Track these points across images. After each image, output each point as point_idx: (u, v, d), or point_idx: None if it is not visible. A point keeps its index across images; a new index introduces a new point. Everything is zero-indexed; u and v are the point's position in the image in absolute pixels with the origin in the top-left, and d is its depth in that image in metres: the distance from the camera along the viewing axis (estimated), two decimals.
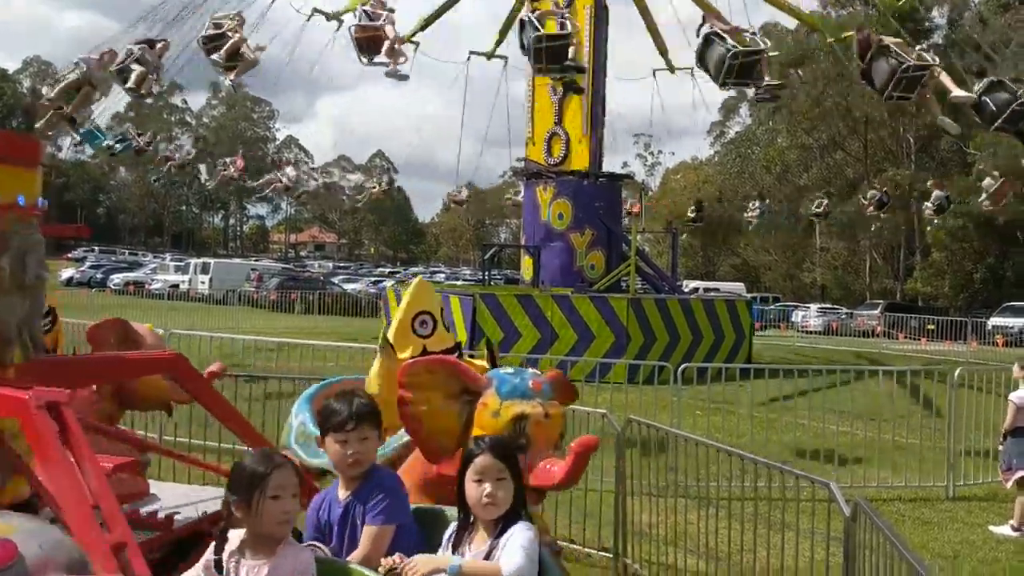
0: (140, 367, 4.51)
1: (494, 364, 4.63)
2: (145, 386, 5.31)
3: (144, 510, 4.41)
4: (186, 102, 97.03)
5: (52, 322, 5.99)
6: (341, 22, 21.69)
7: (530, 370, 4.31)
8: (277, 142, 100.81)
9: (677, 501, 6.48)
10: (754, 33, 18.28)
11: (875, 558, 4.20)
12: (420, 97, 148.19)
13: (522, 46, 18.44)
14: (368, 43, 18.80)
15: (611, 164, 27.96)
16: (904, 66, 16.19)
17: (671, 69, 27.94)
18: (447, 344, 5.16)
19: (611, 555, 6.65)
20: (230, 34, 18.49)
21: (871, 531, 4.24)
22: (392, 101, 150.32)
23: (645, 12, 25.42)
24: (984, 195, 25.77)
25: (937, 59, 17.37)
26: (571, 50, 18.02)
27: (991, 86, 16.79)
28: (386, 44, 18.61)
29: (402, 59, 19.29)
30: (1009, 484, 8.30)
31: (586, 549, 6.89)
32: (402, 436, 4.66)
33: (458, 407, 4.12)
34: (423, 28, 25.03)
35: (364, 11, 18.93)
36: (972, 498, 9.29)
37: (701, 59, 17.74)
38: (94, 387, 5.16)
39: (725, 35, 17.22)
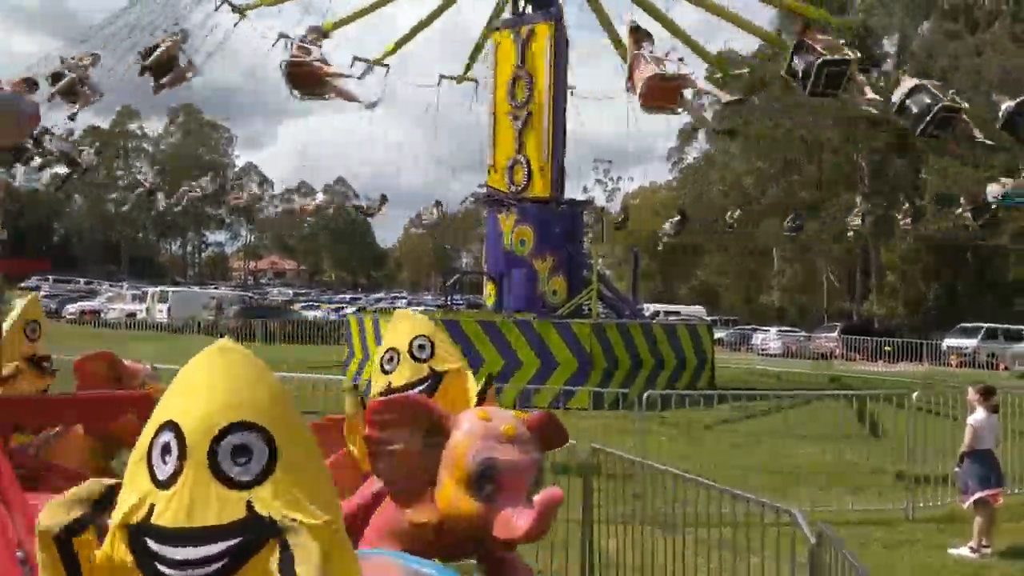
0: (108, 407, 4.44)
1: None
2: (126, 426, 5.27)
3: None
4: (143, 128, 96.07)
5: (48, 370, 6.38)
6: (244, 16, 21.85)
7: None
8: (236, 168, 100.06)
9: (644, 529, 6.49)
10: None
11: None
12: (381, 123, 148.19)
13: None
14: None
15: (572, 189, 28.11)
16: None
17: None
18: (414, 377, 4.94)
19: None
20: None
21: (836, 557, 4.30)
22: (352, 127, 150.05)
23: (610, 28, 25.70)
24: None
25: (859, 54, 17.85)
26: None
27: (913, 91, 17.20)
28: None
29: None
30: (966, 506, 8.44)
31: None
32: None
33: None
34: (393, 52, 25.16)
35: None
36: (932, 520, 9.42)
37: None
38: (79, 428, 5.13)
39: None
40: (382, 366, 5.05)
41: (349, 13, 24.02)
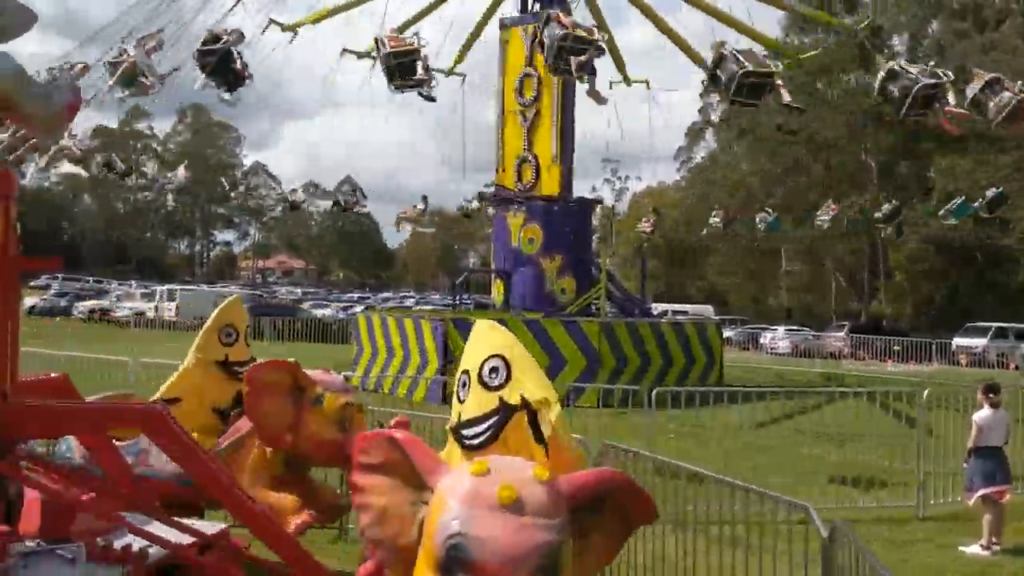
0: (114, 419, 4.50)
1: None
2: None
3: (118, 543, 4.34)
4: (152, 128, 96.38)
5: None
6: (296, 33, 21.80)
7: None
8: (244, 168, 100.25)
9: (655, 526, 6.48)
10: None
11: None
12: (389, 123, 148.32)
13: (541, 44, 18.01)
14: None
15: (580, 189, 28.05)
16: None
17: (627, 82, 27.83)
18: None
19: None
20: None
21: (849, 553, 4.28)
22: (360, 127, 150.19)
23: (604, 27, 25.60)
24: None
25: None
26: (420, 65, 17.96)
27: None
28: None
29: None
30: (971, 503, 8.44)
31: None
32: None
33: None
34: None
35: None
36: (942, 518, 9.39)
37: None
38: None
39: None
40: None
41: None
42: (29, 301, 47.70)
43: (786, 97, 18.35)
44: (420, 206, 33.88)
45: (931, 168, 48.47)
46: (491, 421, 3.53)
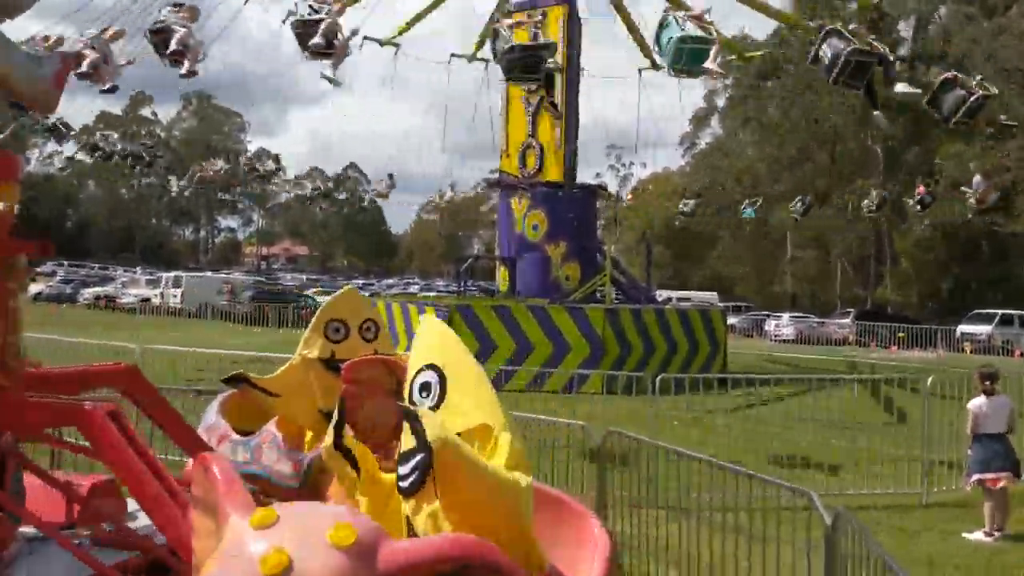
0: (91, 380, 4.45)
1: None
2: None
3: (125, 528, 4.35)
4: (155, 114, 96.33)
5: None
6: (399, 47, 21.87)
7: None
8: (248, 154, 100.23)
9: (658, 512, 6.50)
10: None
11: (856, 567, 4.24)
12: (393, 109, 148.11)
13: (495, 55, 18.33)
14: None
15: (584, 175, 27.97)
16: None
17: (655, 67, 27.56)
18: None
19: None
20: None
21: (852, 540, 4.28)
22: (364, 113, 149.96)
23: (622, 10, 25.48)
24: (970, 193, 25.95)
25: (886, 48, 17.41)
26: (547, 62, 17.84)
27: (944, 84, 16.94)
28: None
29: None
30: (968, 488, 8.47)
31: None
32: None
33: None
34: (406, 30, 25.07)
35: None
36: (946, 505, 9.39)
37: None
38: None
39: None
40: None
41: None
42: (35, 288, 47.88)
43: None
44: (387, 182, 34.23)
45: (938, 155, 48.27)
46: (417, 459, 2.56)
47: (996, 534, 8.17)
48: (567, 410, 9.45)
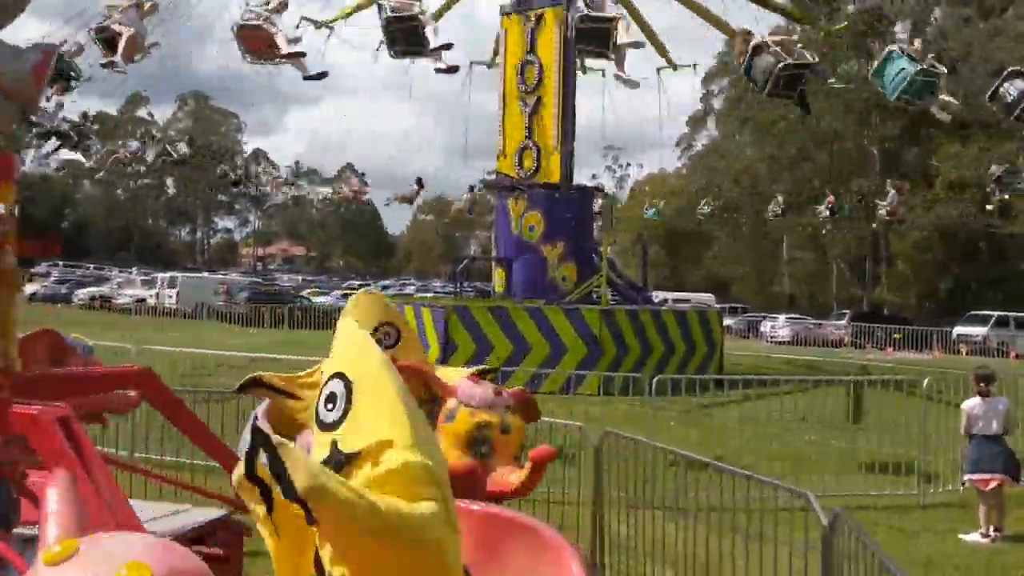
0: (106, 382, 4.43)
1: None
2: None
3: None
4: (151, 115, 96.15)
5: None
6: (332, 30, 21.48)
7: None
8: (245, 155, 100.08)
9: (654, 513, 6.48)
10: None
11: (853, 568, 4.23)
12: (390, 110, 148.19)
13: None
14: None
15: (580, 176, 27.91)
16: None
17: (673, 67, 27.42)
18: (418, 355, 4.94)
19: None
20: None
21: (849, 541, 4.27)
22: (361, 113, 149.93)
23: (636, 16, 25.36)
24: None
25: (814, 56, 17.64)
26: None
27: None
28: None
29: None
30: (962, 489, 8.53)
31: None
32: None
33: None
34: (349, 14, 24.61)
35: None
36: (943, 506, 9.40)
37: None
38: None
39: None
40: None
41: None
42: (30, 288, 47.78)
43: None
44: (355, 180, 33.98)
45: (935, 155, 48.38)
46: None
47: (994, 534, 8.17)
48: (564, 411, 9.44)
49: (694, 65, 26.59)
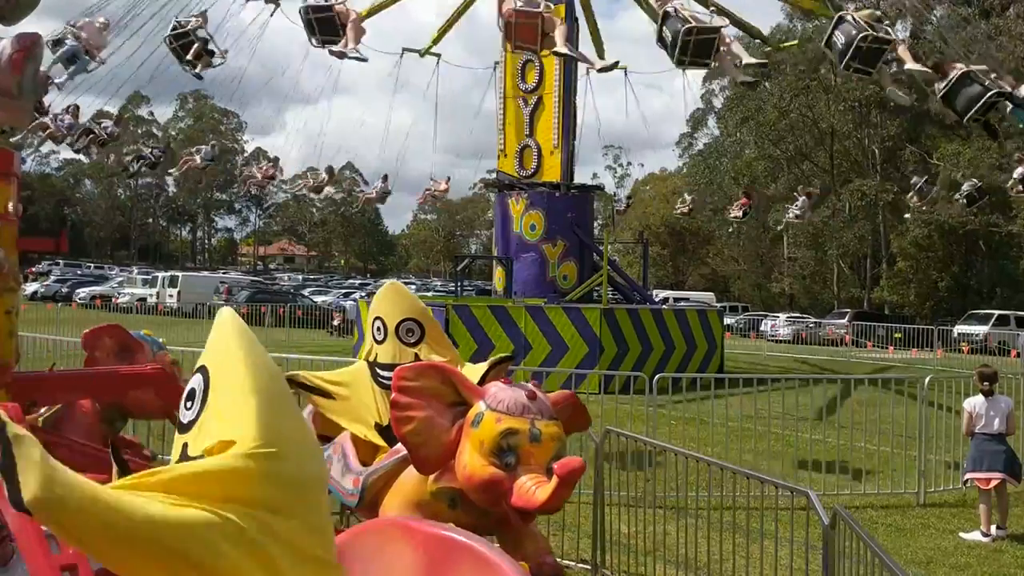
0: (122, 382, 4.45)
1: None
2: (138, 395, 5.12)
3: None
4: (152, 114, 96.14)
5: None
6: (278, 4, 20.89)
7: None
8: (245, 154, 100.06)
9: (655, 511, 6.49)
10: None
11: (854, 566, 4.23)
12: (389, 108, 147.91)
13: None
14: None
15: (581, 175, 27.95)
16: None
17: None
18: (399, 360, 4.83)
19: (590, 566, 6.65)
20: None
21: (850, 539, 4.28)
22: (361, 112, 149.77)
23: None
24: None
25: (896, 34, 17.36)
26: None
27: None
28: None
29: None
30: (964, 487, 8.55)
31: (565, 560, 6.88)
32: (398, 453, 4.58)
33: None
34: (438, 40, 25.07)
35: None
36: (943, 504, 9.40)
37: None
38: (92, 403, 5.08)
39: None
40: (373, 335, 5.08)
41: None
42: (30, 287, 47.77)
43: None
44: (381, 185, 33.78)
45: (935, 155, 48.35)
46: None
47: (994, 533, 8.18)
48: None
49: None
